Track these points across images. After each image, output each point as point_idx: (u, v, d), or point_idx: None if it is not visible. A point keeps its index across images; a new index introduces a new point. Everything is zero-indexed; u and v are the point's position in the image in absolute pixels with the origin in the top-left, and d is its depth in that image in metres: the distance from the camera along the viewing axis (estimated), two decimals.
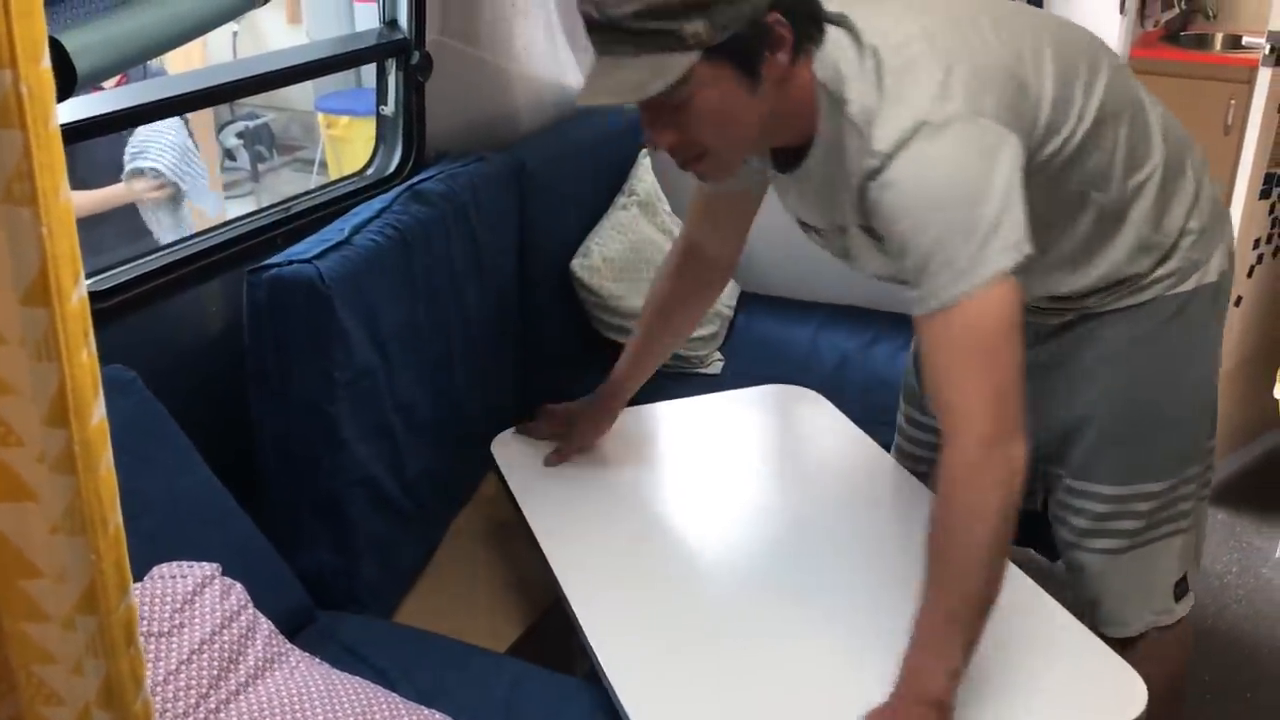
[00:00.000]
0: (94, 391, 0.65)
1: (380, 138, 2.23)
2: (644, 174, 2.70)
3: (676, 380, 2.43)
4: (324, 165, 5.61)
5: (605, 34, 1.23)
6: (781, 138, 1.40)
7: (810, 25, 1.29)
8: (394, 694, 1.33)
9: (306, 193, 2.06)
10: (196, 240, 1.82)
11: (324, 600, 1.66)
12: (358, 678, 1.34)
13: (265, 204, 2.00)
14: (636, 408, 1.99)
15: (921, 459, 1.84)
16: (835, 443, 1.98)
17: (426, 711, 1.31)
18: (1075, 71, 1.39)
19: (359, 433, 1.70)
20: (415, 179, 2.05)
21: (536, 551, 1.65)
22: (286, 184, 5.98)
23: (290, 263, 1.60)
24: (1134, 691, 1.35)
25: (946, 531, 1.28)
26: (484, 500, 2.15)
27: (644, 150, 2.78)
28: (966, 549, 1.26)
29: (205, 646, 1.22)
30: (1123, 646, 1.67)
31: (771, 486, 1.88)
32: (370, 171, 2.23)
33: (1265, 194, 2.76)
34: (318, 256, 1.63)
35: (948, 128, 1.24)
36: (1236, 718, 2.26)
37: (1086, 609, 1.68)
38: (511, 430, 1.94)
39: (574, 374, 2.51)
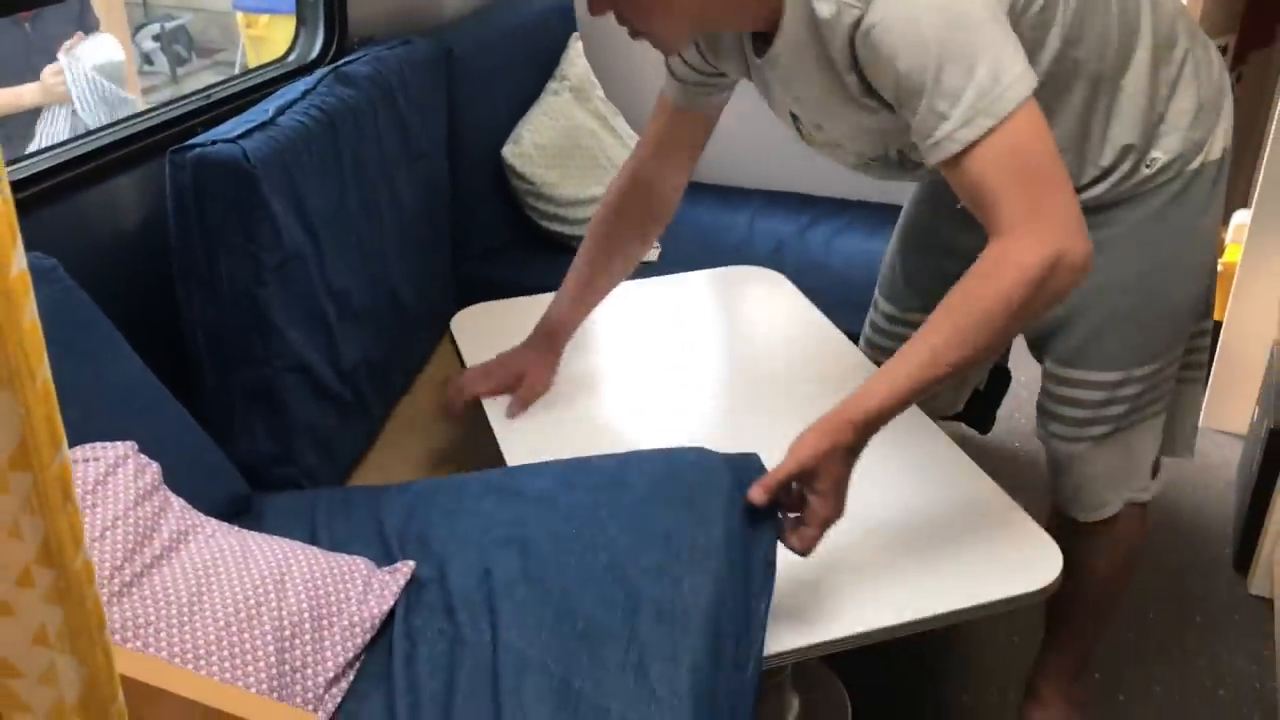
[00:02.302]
0: (11, 239, 0.63)
1: (301, 21, 2.16)
2: (575, 58, 2.65)
3: None
4: (245, 68, 5.45)
5: None
6: (744, 23, 1.34)
7: None
8: (311, 546, 1.33)
9: (227, 80, 2.00)
10: (117, 128, 1.76)
11: (263, 489, 1.65)
12: (275, 537, 1.33)
13: None
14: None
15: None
16: (795, 325, 1.98)
17: (345, 558, 1.31)
18: None
19: (290, 318, 1.67)
20: (339, 63, 2.00)
21: (484, 434, 1.66)
22: None
23: (214, 143, 1.56)
24: (1050, 561, 1.37)
25: (972, 312, 1.20)
26: (424, 390, 2.15)
27: (575, 35, 2.73)
28: (978, 329, 1.20)
29: (119, 522, 1.20)
30: (1094, 528, 1.68)
31: (733, 367, 1.89)
32: (292, 58, 2.16)
33: None
34: (242, 136, 1.58)
35: None
36: (1159, 590, 2.35)
37: (1067, 496, 1.68)
38: (469, 310, 2.00)
39: (508, 263, 2.50)
